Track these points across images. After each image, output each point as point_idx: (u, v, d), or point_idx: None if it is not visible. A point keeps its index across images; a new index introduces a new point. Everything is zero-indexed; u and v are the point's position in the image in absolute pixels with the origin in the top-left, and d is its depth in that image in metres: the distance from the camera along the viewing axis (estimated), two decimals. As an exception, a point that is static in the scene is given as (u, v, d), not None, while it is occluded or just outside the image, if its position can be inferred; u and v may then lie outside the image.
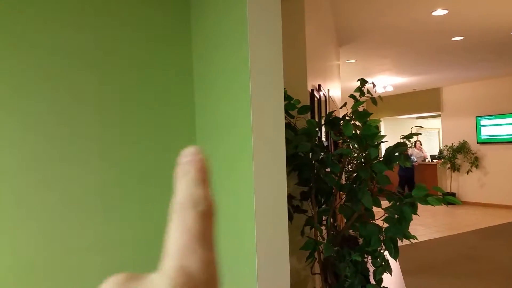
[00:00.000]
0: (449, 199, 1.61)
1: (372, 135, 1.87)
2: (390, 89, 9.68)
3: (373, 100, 2.21)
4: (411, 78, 9.28)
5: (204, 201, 0.20)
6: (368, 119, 2.00)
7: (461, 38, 5.93)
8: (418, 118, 12.33)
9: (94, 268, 1.65)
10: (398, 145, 2.00)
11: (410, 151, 10.67)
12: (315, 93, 2.71)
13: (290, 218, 2.03)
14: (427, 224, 7.45)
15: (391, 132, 12.26)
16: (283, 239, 1.51)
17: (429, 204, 1.64)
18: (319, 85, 2.97)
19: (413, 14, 4.92)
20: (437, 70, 8.39)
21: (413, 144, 10.97)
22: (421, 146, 10.78)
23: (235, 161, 1.60)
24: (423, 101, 10.94)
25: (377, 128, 1.93)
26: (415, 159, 10.14)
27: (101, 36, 1.72)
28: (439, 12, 4.81)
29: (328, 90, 3.96)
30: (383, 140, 1.92)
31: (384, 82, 9.38)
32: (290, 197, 2.15)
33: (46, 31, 1.60)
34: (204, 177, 0.21)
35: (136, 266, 1.74)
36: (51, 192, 1.58)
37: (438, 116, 10.98)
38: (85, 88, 1.67)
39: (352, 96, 2.18)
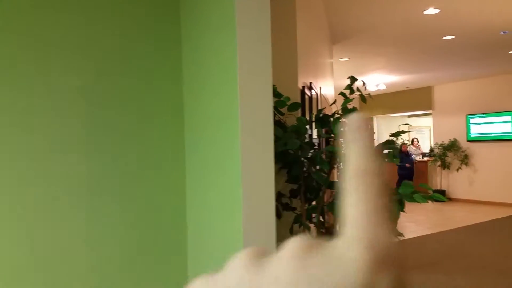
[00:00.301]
0: (435, 196, 1.63)
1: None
2: (382, 87, 9.73)
3: (363, 98, 2.22)
4: (404, 77, 9.34)
5: (383, 172, 0.19)
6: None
7: (453, 37, 5.97)
8: (410, 116, 12.41)
9: (78, 266, 1.64)
10: (387, 143, 2.02)
11: (408, 149, 10.74)
12: (306, 91, 2.73)
13: (279, 215, 2.05)
14: (418, 221, 7.52)
15: (383, 130, 12.34)
16: (270, 236, 1.51)
17: (415, 201, 1.66)
18: (311, 83, 2.98)
19: (405, 13, 4.95)
20: (428, 68, 8.45)
21: (411, 141, 11.06)
22: (418, 144, 10.87)
23: (222, 158, 1.61)
24: (415, 99, 11.01)
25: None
26: (415, 158, 10.15)
27: (85, 26, 1.71)
28: (431, 11, 4.84)
29: (320, 88, 3.97)
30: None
31: (377, 81, 9.43)
32: (279, 195, 2.16)
33: (26, 21, 1.59)
34: (374, 146, 0.20)
35: (122, 264, 1.74)
36: (33, 188, 1.57)
37: (430, 114, 11.07)
38: (68, 81, 1.65)
39: (342, 93, 2.20)
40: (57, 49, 1.64)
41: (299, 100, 2.50)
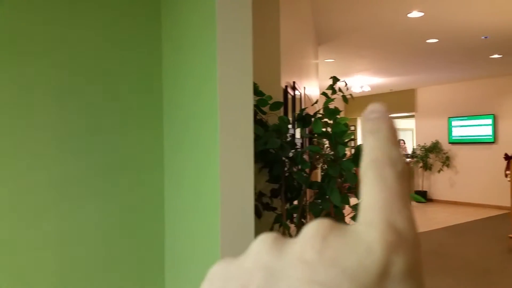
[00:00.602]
0: (414, 197, 1.64)
1: (341, 133, 1.89)
2: (367, 89, 9.82)
3: (344, 99, 2.23)
4: (388, 79, 9.44)
5: (401, 161, 0.19)
6: (338, 116, 2.02)
7: (436, 40, 6.05)
8: (393, 118, 12.54)
9: (45, 266, 1.60)
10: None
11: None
12: (289, 90, 2.72)
13: (259, 215, 2.03)
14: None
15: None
16: (249, 237, 1.50)
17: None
18: (294, 82, 2.98)
19: (390, 15, 5.00)
20: (412, 71, 8.55)
21: None
22: (404, 145, 10.99)
23: (201, 157, 1.59)
24: (398, 101, 11.15)
25: (347, 126, 1.95)
26: (409, 159, 10.20)
27: (63, 23, 1.67)
28: (415, 14, 4.89)
29: (304, 87, 3.98)
30: (352, 138, 1.94)
31: (362, 82, 9.51)
32: (260, 194, 2.15)
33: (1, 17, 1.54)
34: (395, 136, 0.20)
35: (96, 266, 1.70)
36: (2, 189, 1.52)
37: (412, 116, 11.21)
38: (42, 75, 1.60)
39: (324, 93, 2.19)
40: (34, 47, 1.60)
41: (281, 100, 2.49)
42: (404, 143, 11.18)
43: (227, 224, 1.47)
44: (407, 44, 6.33)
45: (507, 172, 5.77)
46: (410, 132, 12.53)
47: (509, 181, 5.67)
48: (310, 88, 4.62)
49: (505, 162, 5.85)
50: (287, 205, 2.12)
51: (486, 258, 5.21)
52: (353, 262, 0.16)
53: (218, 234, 1.43)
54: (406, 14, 4.92)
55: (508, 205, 5.65)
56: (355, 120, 12.30)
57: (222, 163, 1.48)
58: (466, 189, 9.63)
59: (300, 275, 0.16)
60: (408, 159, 10.04)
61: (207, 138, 1.57)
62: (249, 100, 1.58)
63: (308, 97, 4.09)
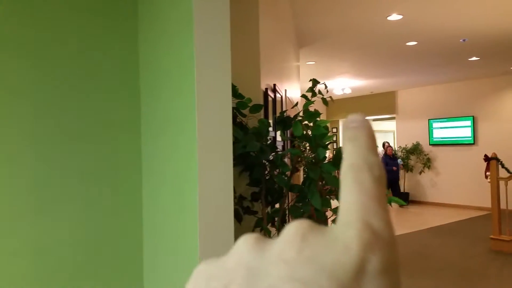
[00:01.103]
0: (393, 199, 1.63)
1: (321, 135, 1.86)
2: (348, 91, 9.89)
3: (324, 101, 2.21)
4: (369, 81, 9.53)
5: (378, 166, 0.20)
6: (318, 119, 1.99)
7: (415, 43, 6.13)
8: (375, 120, 12.66)
9: (21, 274, 1.53)
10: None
11: (393, 151, 10.88)
12: (270, 93, 2.69)
13: (240, 219, 1.99)
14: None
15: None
16: (228, 241, 1.46)
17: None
18: (275, 85, 2.95)
19: (370, 18, 5.03)
20: (392, 74, 8.65)
21: (382, 145, 11.21)
22: (390, 147, 11.06)
23: (179, 160, 1.54)
24: (379, 103, 11.26)
25: (327, 128, 1.93)
26: (401, 162, 10.16)
27: (40, 26, 1.61)
28: (394, 17, 4.94)
29: (286, 90, 3.96)
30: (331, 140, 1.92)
31: (343, 84, 9.57)
32: (241, 198, 2.11)
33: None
34: (374, 144, 0.21)
35: (74, 270, 1.64)
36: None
37: (393, 118, 11.33)
38: (17, 80, 1.55)
39: (304, 96, 2.17)
40: (8, 51, 1.53)
41: (262, 102, 2.46)
42: (389, 145, 11.28)
43: (205, 226, 1.43)
44: (387, 47, 6.39)
45: (487, 173, 5.85)
46: (391, 134, 12.68)
47: (489, 182, 5.76)
48: (292, 91, 4.61)
49: (485, 164, 5.93)
50: (268, 209, 2.09)
51: (468, 259, 5.27)
52: (331, 259, 0.17)
53: (197, 237, 1.39)
54: (386, 17, 4.96)
55: (489, 206, 5.72)
56: (337, 122, 12.37)
57: (200, 165, 1.44)
58: (448, 190, 9.77)
59: (280, 273, 0.17)
60: (400, 163, 10.05)
61: (184, 141, 1.52)
62: (228, 101, 1.54)
63: (289, 99, 4.07)
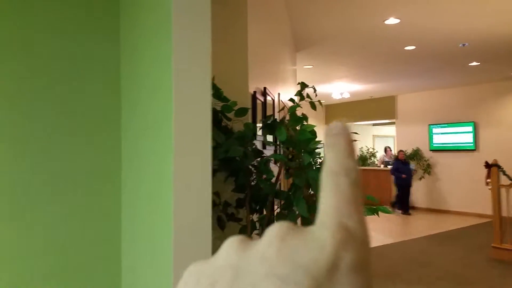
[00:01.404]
0: (380, 209, 1.55)
1: (306, 141, 1.79)
2: (347, 95, 9.82)
3: (312, 105, 2.14)
4: (367, 86, 9.46)
5: (355, 171, 0.21)
6: (305, 123, 1.92)
7: (413, 47, 6.06)
8: (374, 125, 12.58)
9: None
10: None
11: (381, 157, 10.76)
12: (259, 96, 2.62)
13: (223, 226, 1.92)
14: (378, 230, 7.54)
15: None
16: (205, 248, 1.39)
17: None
18: (265, 88, 2.88)
19: (367, 22, 4.97)
20: (391, 78, 8.58)
21: (384, 150, 11.11)
22: (391, 152, 10.98)
23: (156, 162, 1.48)
24: (379, 108, 11.18)
25: (313, 133, 1.86)
26: (413, 167, 9.95)
27: (19, 22, 1.55)
28: (392, 20, 4.88)
29: (279, 94, 3.89)
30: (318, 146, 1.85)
31: (341, 89, 9.50)
32: (226, 204, 2.03)
33: None
34: (352, 150, 0.22)
35: (51, 272, 1.58)
36: None
37: (393, 123, 11.25)
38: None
39: (291, 99, 2.10)
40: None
41: (250, 106, 2.39)
42: (391, 150, 11.19)
43: (180, 231, 1.36)
44: (385, 51, 6.33)
45: (488, 180, 5.75)
46: (391, 139, 12.59)
47: (490, 189, 5.66)
48: (287, 94, 4.54)
49: (486, 170, 5.83)
50: (253, 216, 2.01)
51: (466, 267, 5.16)
52: (307, 257, 0.18)
53: (171, 243, 1.32)
54: (383, 21, 4.89)
55: (490, 213, 5.61)
56: (349, 126, 12.30)
57: (176, 169, 1.37)
58: (448, 197, 9.66)
59: (261, 270, 0.18)
60: (413, 169, 9.85)
61: (161, 143, 1.46)
62: (207, 103, 1.48)
63: (284, 103, 4.00)
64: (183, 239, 1.35)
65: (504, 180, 5.51)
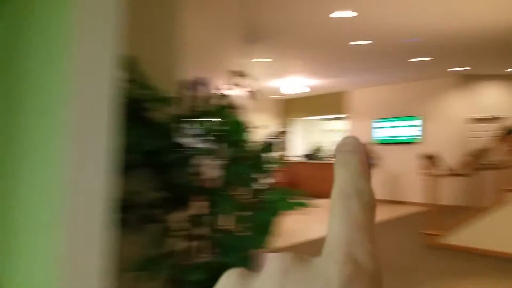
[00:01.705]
0: (300, 203, 1.47)
1: (232, 133, 1.65)
2: (306, 89, 9.84)
3: (251, 96, 2.00)
4: (322, 81, 9.51)
5: (369, 194, 0.20)
6: (234, 115, 1.78)
7: (363, 42, 6.07)
8: (327, 119, 12.69)
9: None
10: (267, 145, 1.81)
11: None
12: (192, 86, 2.45)
13: (139, 230, 1.75)
14: (324, 220, 7.55)
15: (301, 132, 12.54)
16: (102, 262, 1.21)
17: (282, 210, 1.46)
18: (201, 78, 2.71)
19: (313, 15, 4.89)
20: (343, 73, 8.68)
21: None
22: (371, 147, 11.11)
23: (40, 159, 1.28)
24: (331, 103, 11.36)
25: (239, 124, 1.72)
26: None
27: None
28: (338, 14, 4.81)
29: (225, 85, 3.73)
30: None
31: (298, 83, 9.50)
32: (140, 205, 1.85)
33: None
34: (366, 169, 0.21)
35: None
36: None
37: (343, 118, 11.45)
38: None
39: (223, 91, 1.96)
40: None
41: (179, 96, 2.22)
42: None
43: (70, 241, 1.18)
44: (334, 46, 6.32)
45: (422, 170, 5.88)
46: (340, 134, 12.72)
47: (425, 178, 5.79)
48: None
49: (426, 161, 5.91)
50: (175, 215, 1.85)
51: (404, 255, 5.21)
52: None
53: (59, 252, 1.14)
54: (328, 15, 4.82)
55: (429, 201, 5.73)
56: (291, 121, 12.37)
57: (68, 165, 1.19)
58: (391, 187, 9.92)
59: None
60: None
61: (48, 137, 1.26)
62: (110, 95, 1.29)
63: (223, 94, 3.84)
64: (70, 250, 1.16)
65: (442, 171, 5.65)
